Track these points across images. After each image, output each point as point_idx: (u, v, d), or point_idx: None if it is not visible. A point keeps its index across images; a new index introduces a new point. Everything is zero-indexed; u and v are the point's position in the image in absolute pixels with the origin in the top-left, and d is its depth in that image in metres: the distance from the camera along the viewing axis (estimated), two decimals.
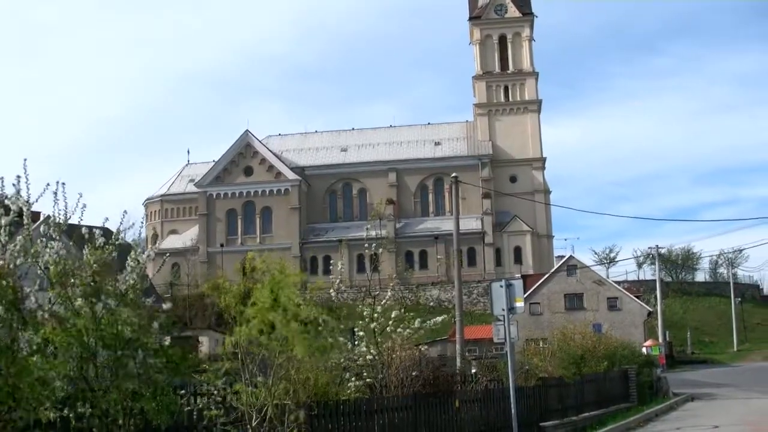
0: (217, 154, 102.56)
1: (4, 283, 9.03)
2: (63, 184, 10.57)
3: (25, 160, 10.62)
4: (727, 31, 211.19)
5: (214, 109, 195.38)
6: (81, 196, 10.79)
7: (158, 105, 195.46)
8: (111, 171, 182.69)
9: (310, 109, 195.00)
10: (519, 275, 71.75)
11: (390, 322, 17.81)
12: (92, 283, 9.71)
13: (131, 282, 10.36)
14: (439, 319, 20.73)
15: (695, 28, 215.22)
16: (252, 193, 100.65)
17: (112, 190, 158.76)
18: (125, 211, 11.36)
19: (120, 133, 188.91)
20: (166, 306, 11.52)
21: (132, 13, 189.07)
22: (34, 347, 8.98)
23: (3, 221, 10.35)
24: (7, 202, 10.66)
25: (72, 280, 9.76)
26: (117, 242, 10.74)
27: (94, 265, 10.00)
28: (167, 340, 10.55)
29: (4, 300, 8.86)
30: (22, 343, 8.98)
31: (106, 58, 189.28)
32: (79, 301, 9.62)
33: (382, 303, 18.45)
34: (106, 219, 11.24)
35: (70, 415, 8.91)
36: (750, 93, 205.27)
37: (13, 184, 10.59)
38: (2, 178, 10.66)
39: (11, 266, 9.70)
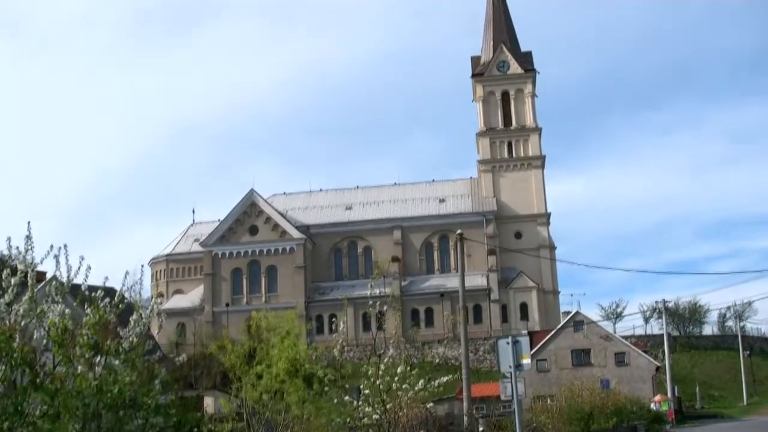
0: (223, 213, 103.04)
1: (16, 343, 8.94)
2: (65, 246, 10.65)
3: (29, 222, 10.72)
4: (723, 86, 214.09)
5: (218, 168, 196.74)
6: (83, 259, 10.86)
7: (162, 164, 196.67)
8: (116, 229, 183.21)
9: (313, 166, 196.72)
10: (525, 332, 71.28)
11: (396, 379, 17.69)
12: (93, 343, 9.66)
13: (134, 340, 10.35)
14: (444, 379, 20.59)
15: (692, 83, 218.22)
16: (257, 252, 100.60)
17: (117, 249, 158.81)
18: (127, 272, 11.44)
19: (124, 193, 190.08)
20: (179, 358, 11.50)
21: (134, 68, 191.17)
22: (44, 410, 8.87)
23: (13, 281, 10.39)
24: (14, 262, 10.73)
25: (74, 341, 9.71)
26: (121, 303, 10.77)
27: (95, 325, 9.96)
28: (171, 399, 10.48)
29: (18, 361, 8.74)
30: (32, 406, 8.89)
31: (106, 115, 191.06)
32: (81, 363, 9.55)
33: (385, 361, 18.33)
34: (106, 278, 11.29)
35: None
36: (745, 148, 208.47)
37: (17, 248, 10.64)
38: (9, 238, 10.75)
39: (18, 327, 9.68)
